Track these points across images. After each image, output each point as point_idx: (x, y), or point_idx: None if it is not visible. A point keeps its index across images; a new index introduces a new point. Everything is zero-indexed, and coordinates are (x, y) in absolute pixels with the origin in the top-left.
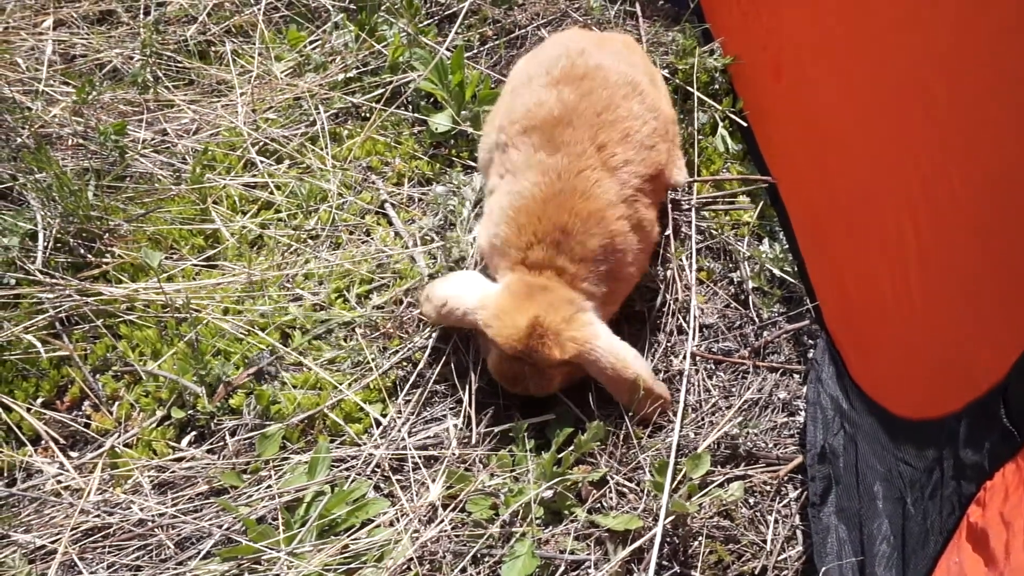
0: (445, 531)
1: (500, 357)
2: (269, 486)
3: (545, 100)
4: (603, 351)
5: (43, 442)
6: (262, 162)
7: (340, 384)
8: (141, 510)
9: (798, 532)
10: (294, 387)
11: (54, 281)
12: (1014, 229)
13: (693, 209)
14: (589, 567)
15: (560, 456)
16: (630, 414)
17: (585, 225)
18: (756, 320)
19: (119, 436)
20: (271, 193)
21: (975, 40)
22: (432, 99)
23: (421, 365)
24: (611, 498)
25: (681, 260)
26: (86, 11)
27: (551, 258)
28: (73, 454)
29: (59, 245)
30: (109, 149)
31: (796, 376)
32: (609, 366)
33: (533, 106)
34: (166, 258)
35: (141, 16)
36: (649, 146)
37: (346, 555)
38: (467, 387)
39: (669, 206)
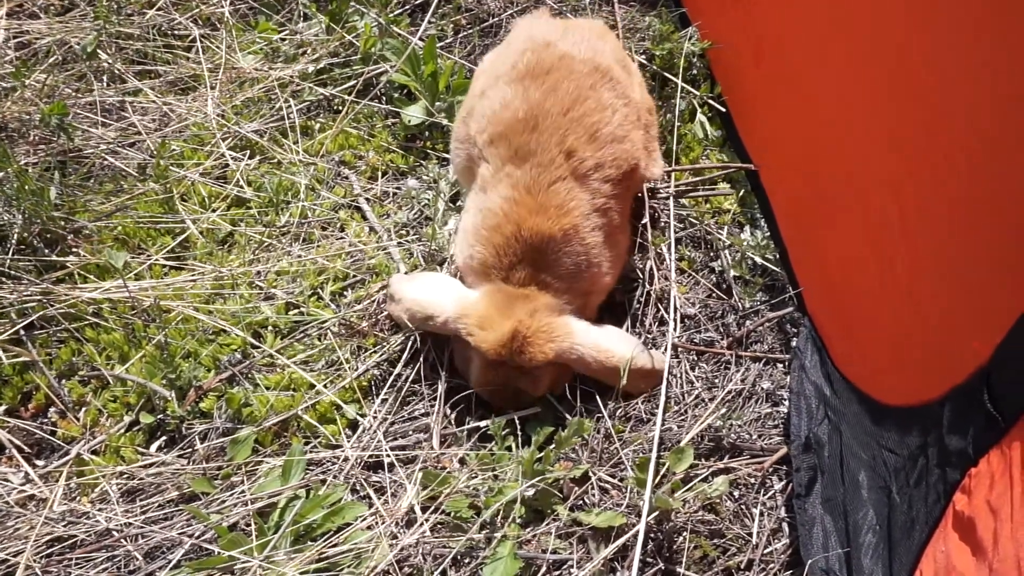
0: (424, 534)
1: (484, 366)
2: (242, 492)
3: (511, 100)
4: (585, 347)
5: (7, 451)
6: (232, 156)
7: (315, 384)
8: (108, 520)
9: (784, 524)
10: (267, 388)
11: (16, 284)
12: (999, 212)
13: (672, 197)
14: (572, 566)
15: (541, 454)
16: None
17: (560, 243)
18: (738, 309)
19: (86, 443)
20: (241, 188)
21: (957, 19)
22: (405, 90)
23: (399, 366)
24: (593, 495)
25: (661, 249)
26: (45, 3)
27: (532, 275)
28: (39, 462)
29: (21, 246)
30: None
31: (780, 365)
32: (593, 360)
33: (499, 107)
34: (132, 257)
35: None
36: (620, 137)
37: (322, 561)
38: (445, 384)
39: (646, 195)
